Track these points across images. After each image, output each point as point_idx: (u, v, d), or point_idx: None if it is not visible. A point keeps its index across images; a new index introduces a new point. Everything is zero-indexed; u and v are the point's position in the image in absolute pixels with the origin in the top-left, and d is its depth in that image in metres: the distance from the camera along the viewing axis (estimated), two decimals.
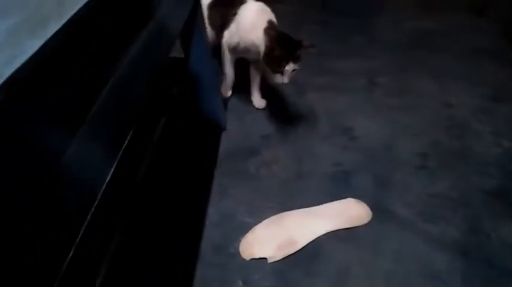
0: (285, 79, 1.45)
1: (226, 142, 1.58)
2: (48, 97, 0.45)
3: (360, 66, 2.03)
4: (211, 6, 1.67)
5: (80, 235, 0.49)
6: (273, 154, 1.52)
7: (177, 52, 1.47)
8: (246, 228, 1.23)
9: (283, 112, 1.73)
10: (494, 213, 1.28)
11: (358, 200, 1.32)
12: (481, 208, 1.30)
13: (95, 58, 0.54)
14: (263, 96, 1.78)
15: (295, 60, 1.43)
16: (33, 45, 0.42)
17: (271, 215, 1.27)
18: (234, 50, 1.65)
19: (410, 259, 1.15)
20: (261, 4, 1.62)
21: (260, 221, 1.25)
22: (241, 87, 1.81)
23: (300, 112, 1.73)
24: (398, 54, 2.13)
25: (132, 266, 1.13)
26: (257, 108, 1.76)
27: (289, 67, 1.43)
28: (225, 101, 1.78)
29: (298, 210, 1.28)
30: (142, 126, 1.36)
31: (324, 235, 1.21)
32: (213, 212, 1.30)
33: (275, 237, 1.20)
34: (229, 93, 1.82)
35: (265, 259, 1.15)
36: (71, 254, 0.47)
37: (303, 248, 1.18)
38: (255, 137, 1.60)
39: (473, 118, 1.69)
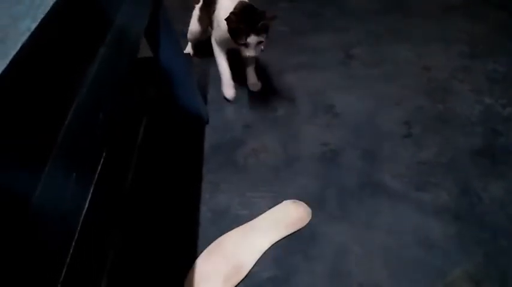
0: (251, 52, 1.46)
1: (210, 136, 1.57)
2: (8, 138, 0.43)
3: (334, 40, 2.01)
4: (201, 8, 1.80)
5: (65, 266, 0.48)
6: (259, 142, 1.51)
7: (146, 52, 1.43)
8: (240, 221, 1.23)
9: (262, 97, 1.71)
10: (482, 173, 1.29)
11: (295, 201, 1.27)
12: (469, 169, 1.31)
13: (52, 87, 0.51)
14: (241, 82, 1.75)
15: (258, 32, 1.42)
16: None
17: (265, 205, 1.26)
18: (221, 43, 1.66)
19: (405, 230, 1.16)
20: None
21: (254, 213, 1.24)
22: (219, 79, 1.78)
23: (279, 95, 1.71)
24: (370, 23, 2.11)
25: (130, 274, 1.12)
26: (252, 91, 1.74)
27: (252, 39, 1.43)
28: (204, 94, 1.75)
29: (235, 229, 1.20)
30: (124, 132, 1.33)
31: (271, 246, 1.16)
32: (205, 210, 1.29)
33: (219, 269, 1.11)
34: (233, 92, 1.71)
35: None
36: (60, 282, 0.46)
37: (250, 271, 1.10)
38: (238, 127, 1.59)
39: (452, 79, 1.69)
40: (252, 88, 1.75)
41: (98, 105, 0.63)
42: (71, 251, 0.52)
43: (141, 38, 1.10)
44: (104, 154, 0.65)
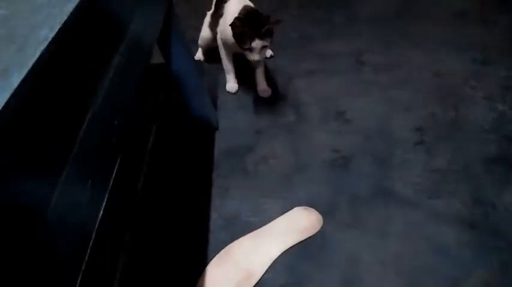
0: (255, 56, 1.48)
1: (220, 142, 1.57)
2: (26, 146, 0.44)
3: (345, 45, 2.00)
4: (212, 14, 1.82)
5: (82, 270, 0.48)
6: (269, 148, 1.51)
7: (157, 58, 1.44)
8: (251, 227, 1.22)
9: (273, 103, 1.71)
10: (496, 180, 1.27)
11: (305, 208, 1.26)
12: (483, 177, 1.29)
13: (69, 94, 0.52)
14: (250, 88, 1.75)
15: (262, 36, 1.44)
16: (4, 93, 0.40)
17: (276, 212, 1.26)
18: (227, 47, 1.69)
19: (418, 238, 1.15)
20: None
21: (265, 220, 1.24)
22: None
23: (289, 101, 1.71)
24: (381, 29, 2.10)
25: (141, 280, 1.12)
26: (261, 97, 1.75)
27: (256, 44, 1.45)
28: (214, 100, 1.75)
29: (246, 236, 1.19)
30: (135, 138, 1.34)
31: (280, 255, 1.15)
32: (216, 216, 1.28)
33: (229, 276, 1.10)
34: (235, 86, 1.79)
35: None
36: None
37: (261, 278, 1.09)
38: (249, 133, 1.59)
39: (464, 85, 1.67)
40: (261, 94, 1.75)
41: (113, 113, 0.64)
42: (87, 257, 0.53)
43: (153, 46, 1.10)
44: (118, 160, 0.66)
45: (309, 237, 1.18)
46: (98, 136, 0.57)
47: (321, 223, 1.21)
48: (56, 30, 0.49)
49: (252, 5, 1.60)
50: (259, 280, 1.09)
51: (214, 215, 1.29)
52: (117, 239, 1.05)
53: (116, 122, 0.65)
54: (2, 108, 0.39)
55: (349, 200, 1.27)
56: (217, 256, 1.15)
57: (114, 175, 0.61)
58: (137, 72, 0.80)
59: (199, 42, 1.94)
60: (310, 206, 1.26)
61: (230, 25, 1.48)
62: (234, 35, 1.49)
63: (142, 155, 1.39)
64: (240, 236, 1.20)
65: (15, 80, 0.42)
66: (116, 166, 0.62)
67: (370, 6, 2.33)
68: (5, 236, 0.40)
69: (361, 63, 1.88)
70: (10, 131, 0.40)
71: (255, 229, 1.22)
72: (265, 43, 1.47)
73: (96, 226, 0.52)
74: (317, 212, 1.24)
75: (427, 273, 1.06)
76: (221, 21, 1.67)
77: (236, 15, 1.50)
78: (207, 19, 1.86)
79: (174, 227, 1.27)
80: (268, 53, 1.99)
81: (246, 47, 1.46)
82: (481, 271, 1.05)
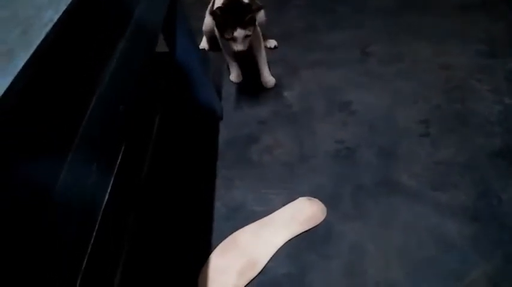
0: (239, 46, 1.46)
1: (224, 132, 1.56)
2: (31, 129, 0.43)
3: (351, 37, 1.98)
4: (212, 1, 1.76)
5: (87, 253, 0.48)
6: (274, 139, 1.50)
7: (161, 46, 1.43)
8: (255, 217, 1.22)
9: (277, 94, 1.70)
10: (502, 173, 1.26)
11: (309, 198, 1.25)
12: (488, 169, 1.28)
13: (74, 78, 0.51)
14: (255, 79, 1.74)
15: (244, 25, 1.42)
16: (4, 81, 0.39)
17: (280, 202, 1.26)
18: (219, 35, 1.65)
19: (421, 230, 1.14)
20: None
21: (269, 210, 1.24)
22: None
23: (294, 92, 1.70)
24: (386, 20, 2.08)
25: (145, 267, 1.12)
26: (265, 87, 1.74)
27: (238, 33, 1.43)
28: (219, 90, 1.75)
29: (250, 225, 1.20)
30: (138, 127, 1.33)
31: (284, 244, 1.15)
32: (220, 205, 1.29)
33: (233, 263, 1.11)
34: (240, 77, 1.79)
35: None
36: (82, 270, 0.46)
37: (265, 267, 1.10)
38: (253, 123, 1.58)
39: (471, 78, 1.66)
40: (266, 85, 1.74)
41: (118, 97, 0.63)
42: (92, 240, 0.53)
43: (159, 32, 1.09)
44: (123, 147, 0.65)
45: (313, 227, 1.18)
46: (103, 119, 0.57)
47: (325, 214, 1.21)
48: (61, 12, 0.49)
49: None
50: (263, 268, 1.10)
51: (218, 204, 1.29)
52: (121, 226, 1.05)
53: (120, 107, 0.64)
54: (6, 90, 0.38)
55: (353, 191, 1.27)
56: (221, 244, 1.15)
57: (119, 160, 0.61)
58: (142, 58, 0.80)
59: (203, 28, 1.93)
60: (314, 197, 1.26)
61: (211, 14, 1.46)
62: (216, 24, 1.48)
63: (146, 144, 1.39)
64: (244, 226, 1.20)
65: (20, 62, 0.42)
66: (121, 152, 0.62)
67: None
68: (13, 217, 0.39)
69: (367, 54, 1.86)
70: (15, 113, 0.40)
71: (259, 219, 1.22)
72: (248, 32, 1.44)
73: (102, 209, 0.52)
74: (321, 203, 1.24)
75: (430, 265, 1.06)
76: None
77: (220, 4, 1.48)
78: (210, 5, 1.85)
79: (178, 215, 1.27)
80: (273, 43, 1.98)
81: (228, 37, 1.45)
82: (484, 264, 1.05)
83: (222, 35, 1.48)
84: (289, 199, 1.27)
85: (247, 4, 1.46)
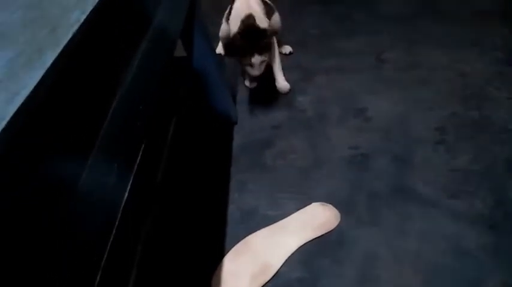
0: (255, 71, 1.53)
1: (239, 136, 1.57)
2: (55, 127, 0.44)
3: (366, 43, 1.98)
4: (229, 8, 1.79)
5: (106, 251, 0.49)
6: (288, 144, 1.50)
7: (179, 51, 1.45)
8: (268, 221, 1.22)
9: (291, 99, 1.71)
10: None
11: (323, 203, 1.25)
12: (505, 177, 1.27)
13: (97, 79, 0.53)
14: (270, 84, 1.75)
15: (260, 51, 1.49)
16: (32, 78, 0.41)
17: (294, 207, 1.26)
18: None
19: (437, 238, 1.13)
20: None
21: (282, 214, 1.24)
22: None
23: (309, 97, 1.70)
24: (402, 27, 2.07)
25: (158, 269, 1.13)
26: (280, 93, 1.75)
27: (255, 59, 1.49)
28: (234, 94, 1.76)
29: (263, 230, 1.20)
30: (155, 130, 1.35)
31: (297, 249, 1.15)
32: (234, 209, 1.29)
33: (246, 267, 1.11)
34: (255, 82, 1.79)
35: None
36: (101, 268, 0.47)
37: (277, 271, 1.10)
38: (267, 128, 1.59)
39: (488, 85, 1.64)
40: (280, 90, 1.75)
41: (139, 97, 0.64)
42: (111, 239, 0.53)
43: (178, 36, 1.11)
44: (143, 147, 0.66)
45: (326, 233, 1.18)
46: (124, 119, 0.58)
47: (339, 219, 1.21)
48: (88, 12, 0.50)
49: (257, 8, 1.61)
50: (276, 273, 1.09)
51: (232, 208, 1.29)
52: (138, 227, 1.06)
53: (141, 108, 0.65)
54: (37, 84, 0.40)
55: (367, 198, 1.26)
56: (234, 247, 1.15)
57: (138, 160, 0.62)
58: (162, 60, 0.81)
59: (220, 34, 1.95)
60: (328, 202, 1.26)
61: (231, 39, 1.53)
62: (235, 49, 1.54)
63: (161, 147, 1.40)
64: (257, 230, 1.20)
65: (49, 59, 0.43)
66: (140, 152, 0.63)
67: (391, 3, 2.30)
68: (37, 212, 0.41)
69: (382, 61, 1.86)
70: (43, 109, 0.41)
71: (272, 223, 1.22)
72: (264, 58, 1.51)
73: (121, 208, 0.53)
74: (334, 208, 1.24)
75: (445, 273, 1.05)
76: (230, 18, 1.69)
77: (236, 28, 1.54)
78: (227, 12, 1.87)
79: (192, 219, 1.28)
80: (288, 49, 1.99)
81: (246, 63, 1.52)
82: (502, 272, 1.03)
83: (240, 61, 1.55)
84: (303, 204, 1.27)
85: (263, 30, 1.51)
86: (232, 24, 1.61)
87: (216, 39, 1.96)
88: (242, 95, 1.77)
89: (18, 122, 0.37)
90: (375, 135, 1.48)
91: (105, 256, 0.52)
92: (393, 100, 1.63)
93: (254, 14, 1.58)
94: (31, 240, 0.40)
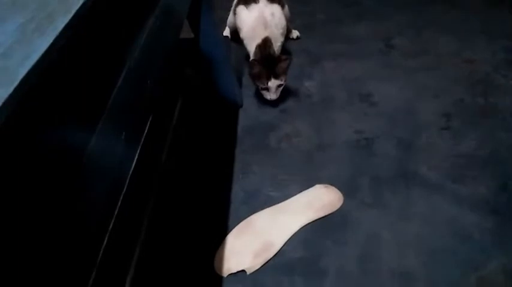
0: (272, 95, 1.56)
1: (244, 119, 1.58)
2: (65, 93, 0.45)
3: (374, 29, 1.97)
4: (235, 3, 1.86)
5: (112, 222, 0.50)
6: (293, 127, 1.51)
7: (186, 33, 1.45)
8: (272, 202, 1.23)
9: (298, 84, 1.71)
10: None
11: (326, 185, 1.26)
12: (509, 163, 1.27)
13: (106, 48, 0.53)
14: None
15: (277, 76, 1.52)
16: (43, 43, 0.41)
17: (297, 189, 1.27)
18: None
19: (440, 222, 1.14)
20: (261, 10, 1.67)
21: (285, 196, 1.25)
22: None
23: (315, 82, 1.70)
24: (411, 13, 2.06)
25: (162, 246, 1.15)
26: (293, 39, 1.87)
27: (272, 83, 1.52)
28: (240, 78, 1.76)
29: (266, 209, 1.21)
30: (160, 111, 1.36)
31: (302, 227, 1.16)
32: (237, 190, 1.30)
33: (249, 245, 1.12)
34: None
35: (244, 271, 1.06)
36: (104, 242, 0.48)
37: (280, 250, 1.10)
38: (272, 111, 1.59)
39: (495, 73, 1.63)
40: (291, 36, 1.88)
41: (146, 71, 0.65)
42: (117, 208, 0.55)
43: (185, 13, 1.11)
44: (150, 120, 0.67)
45: (329, 214, 1.19)
46: (132, 90, 0.58)
47: (342, 201, 1.22)
48: None
49: (272, 29, 1.65)
50: (278, 252, 1.11)
51: (235, 189, 1.30)
52: (143, 204, 1.08)
53: (148, 82, 0.66)
54: (48, 48, 0.40)
55: (370, 181, 1.27)
56: (237, 226, 1.17)
57: (145, 132, 0.63)
58: (170, 36, 0.82)
59: (228, 23, 1.95)
60: (331, 185, 1.26)
61: (249, 65, 1.57)
62: (252, 74, 1.57)
63: (166, 128, 1.41)
64: (260, 210, 1.22)
65: (60, 25, 0.43)
66: (148, 124, 0.64)
67: None
68: (47, 178, 0.42)
69: (390, 47, 1.85)
70: (54, 73, 0.42)
71: (275, 204, 1.23)
72: (280, 82, 1.53)
73: (129, 177, 0.54)
74: (338, 190, 1.24)
75: (446, 255, 1.06)
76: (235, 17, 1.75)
77: (254, 43, 1.60)
78: (234, 3, 1.85)
79: (196, 198, 1.29)
80: (295, 34, 1.98)
81: (263, 86, 1.54)
82: (502, 256, 1.04)
83: (257, 85, 1.58)
84: (306, 186, 1.28)
85: (279, 56, 1.57)
86: (248, 43, 1.66)
87: (224, 23, 1.95)
88: (248, 79, 1.77)
89: (29, 85, 0.38)
90: (381, 120, 1.49)
91: (111, 225, 0.54)
92: (400, 86, 1.62)
93: (270, 36, 1.61)
94: (39, 205, 0.41)
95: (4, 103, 0.35)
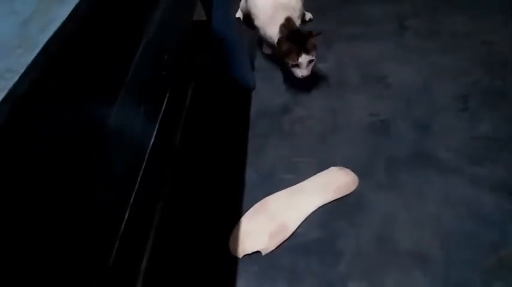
0: (304, 71, 1.51)
1: (257, 102, 1.56)
2: (86, 60, 0.45)
3: (388, 10, 1.93)
4: None
5: (132, 197, 0.49)
6: (306, 110, 1.49)
7: (199, 15, 1.44)
8: (286, 185, 1.23)
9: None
10: None
11: (341, 168, 1.25)
12: None
13: (126, 17, 0.52)
14: None
15: (307, 51, 1.48)
16: (64, 11, 0.41)
17: (311, 171, 1.26)
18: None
19: (457, 203, 1.12)
20: None
21: (299, 178, 1.24)
22: None
23: (329, 64, 1.68)
24: None
25: (177, 226, 1.15)
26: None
27: (303, 59, 1.47)
28: (252, 61, 1.74)
29: (281, 191, 1.20)
30: (173, 93, 1.35)
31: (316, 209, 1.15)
32: (251, 172, 1.30)
33: (264, 226, 1.11)
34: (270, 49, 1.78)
35: (259, 252, 1.07)
36: (126, 216, 0.48)
37: (295, 231, 1.10)
38: (286, 94, 1.57)
39: None
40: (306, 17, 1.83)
41: (163, 47, 0.64)
42: (138, 183, 0.54)
43: None
44: (167, 96, 0.66)
45: (344, 196, 1.18)
46: (149, 66, 0.58)
47: (357, 183, 1.21)
48: None
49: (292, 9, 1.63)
50: (293, 233, 1.11)
51: (249, 171, 1.30)
52: (159, 184, 1.07)
53: (165, 57, 0.65)
54: (68, 16, 0.40)
55: (386, 163, 1.26)
56: (252, 207, 1.17)
57: (163, 107, 0.63)
58: (184, 13, 0.81)
59: (240, 6, 1.92)
60: (346, 167, 1.25)
61: (277, 43, 1.52)
62: (281, 52, 1.52)
63: (180, 110, 1.41)
64: (275, 192, 1.21)
65: None
66: (166, 99, 0.63)
67: None
68: (71, 147, 0.41)
69: (405, 28, 1.81)
70: (74, 40, 0.41)
71: (290, 186, 1.22)
72: (311, 57, 1.49)
73: (149, 148, 0.53)
74: (353, 173, 1.23)
75: (464, 236, 1.05)
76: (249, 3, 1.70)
77: (277, 21, 1.55)
78: None
79: (210, 180, 1.29)
80: (308, 16, 1.95)
81: (294, 63, 1.49)
82: None
83: (287, 62, 1.52)
84: (320, 169, 1.27)
85: (308, 32, 1.51)
86: (267, 27, 1.61)
87: (236, 5, 1.92)
88: (260, 62, 1.75)
89: (51, 50, 0.38)
90: (396, 102, 1.46)
91: (132, 200, 0.53)
92: (415, 67, 1.59)
93: (290, 16, 1.58)
94: (64, 172, 0.41)
95: (28, 68, 0.34)
